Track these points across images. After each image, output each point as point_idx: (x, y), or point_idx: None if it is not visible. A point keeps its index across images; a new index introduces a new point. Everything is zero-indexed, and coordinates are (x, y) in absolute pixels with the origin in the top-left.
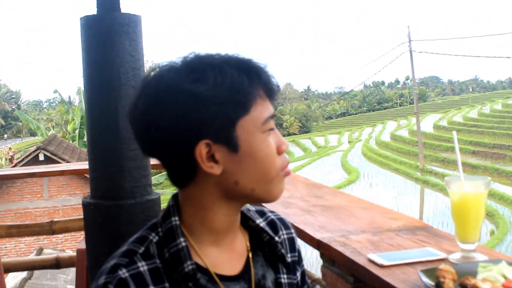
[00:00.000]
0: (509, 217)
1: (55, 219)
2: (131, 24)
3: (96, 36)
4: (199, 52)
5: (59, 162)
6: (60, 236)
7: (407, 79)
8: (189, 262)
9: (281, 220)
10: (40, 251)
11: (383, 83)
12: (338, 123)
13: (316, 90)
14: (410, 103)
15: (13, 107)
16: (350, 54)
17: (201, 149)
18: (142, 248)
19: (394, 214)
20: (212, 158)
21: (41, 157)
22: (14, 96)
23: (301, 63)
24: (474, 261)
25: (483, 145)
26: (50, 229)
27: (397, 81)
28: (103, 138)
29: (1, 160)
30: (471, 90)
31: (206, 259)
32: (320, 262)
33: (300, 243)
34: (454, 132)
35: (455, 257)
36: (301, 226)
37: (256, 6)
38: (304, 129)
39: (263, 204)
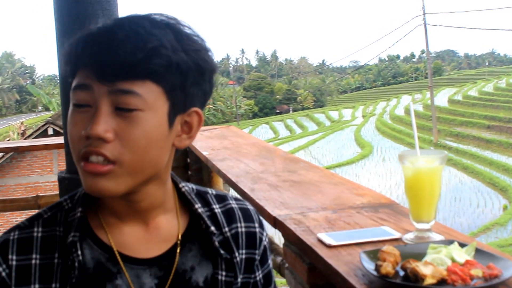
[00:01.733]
0: None
1: (41, 194)
2: None
3: None
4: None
5: None
6: None
7: (422, 53)
8: (73, 234)
9: (245, 211)
10: None
11: (398, 57)
12: (353, 97)
13: (331, 64)
14: (425, 77)
15: (28, 82)
16: (365, 28)
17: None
18: (49, 213)
19: (363, 190)
20: None
21: (50, 131)
22: (28, 71)
23: (316, 37)
24: (428, 241)
25: (498, 120)
26: (36, 204)
27: (413, 55)
28: None
29: (14, 134)
30: (487, 64)
31: (112, 236)
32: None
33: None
34: (411, 103)
35: (408, 237)
36: (262, 203)
37: None
38: (318, 103)
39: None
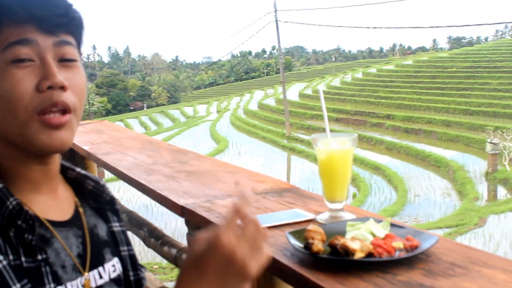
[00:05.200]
0: (369, 180)
1: None
2: None
3: None
4: None
5: None
6: None
7: (273, 49)
8: (11, 199)
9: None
10: None
11: (250, 53)
12: (207, 93)
13: (184, 60)
14: (276, 73)
15: None
16: (218, 24)
17: None
18: None
19: (261, 177)
20: None
21: None
22: None
23: (169, 33)
24: (342, 220)
25: (346, 112)
26: None
27: (264, 51)
28: None
29: None
30: (334, 59)
31: (31, 205)
32: (186, 230)
33: (165, 211)
34: (320, 88)
35: (323, 217)
36: (165, 193)
37: None
38: (173, 100)
39: None
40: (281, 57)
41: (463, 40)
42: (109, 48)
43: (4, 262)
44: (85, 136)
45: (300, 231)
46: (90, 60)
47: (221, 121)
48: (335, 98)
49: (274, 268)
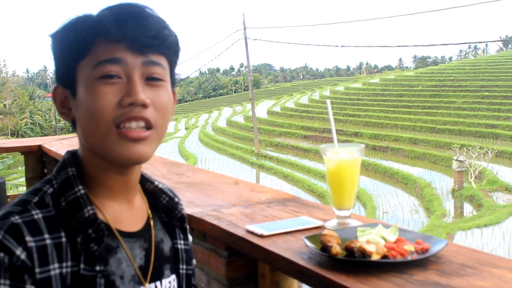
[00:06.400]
0: None
1: None
2: None
3: None
4: None
5: None
6: None
7: (241, 66)
8: (89, 208)
9: (170, 189)
10: None
11: (218, 70)
12: (175, 109)
13: None
14: (244, 90)
15: None
16: (187, 41)
17: (56, 93)
18: (36, 198)
19: (260, 187)
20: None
21: None
22: None
23: None
24: (350, 226)
25: (314, 130)
26: None
27: (232, 68)
28: None
29: None
30: (301, 77)
31: (106, 213)
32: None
33: None
34: (328, 101)
35: (331, 224)
36: None
37: None
38: None
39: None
40: (250, 74)
41: (428, 60)
42: None
43: (57, 271)
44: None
45: (315, 236)
46: None
47: (189, 138)
48: (303, 116)
49: (293, 271)
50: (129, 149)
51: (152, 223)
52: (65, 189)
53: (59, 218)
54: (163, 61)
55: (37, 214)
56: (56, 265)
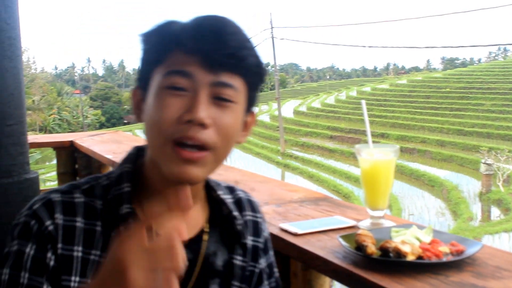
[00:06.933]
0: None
1: None
2: None
3: None
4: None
5: None
6: None
7: (268, 66)
8: (127, 205)
9: (251, 202)
10: None
11: None
12: None
13: None
14: (271, 89)
15: None
16: None
17: (134, 94)
18: (87, 185)
19: (292, 186)
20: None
21: None
22: None
23: None
24: (383, 227)
25: (340, 130)
26: None
27: None
28: None
29: None
30: (328, 77)
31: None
32: None
33: None
34: (363, 101)
35: (365, 224)
36: None
37: None
38: None
39: None
40: (276, 74)
41: (456, 61)
42: (104, 61)
43: (80, 254)
44: (104, 145)
45: (350, 235)
46: (84, 73)
47: None
48: (329, 116)
49: (327, 270)
50: (179, 168)
51: (205, 238)
52: (116, 184)
53: (101, 209)
54: (237, 82)
55: (79, 198)
56: (80, 248)
